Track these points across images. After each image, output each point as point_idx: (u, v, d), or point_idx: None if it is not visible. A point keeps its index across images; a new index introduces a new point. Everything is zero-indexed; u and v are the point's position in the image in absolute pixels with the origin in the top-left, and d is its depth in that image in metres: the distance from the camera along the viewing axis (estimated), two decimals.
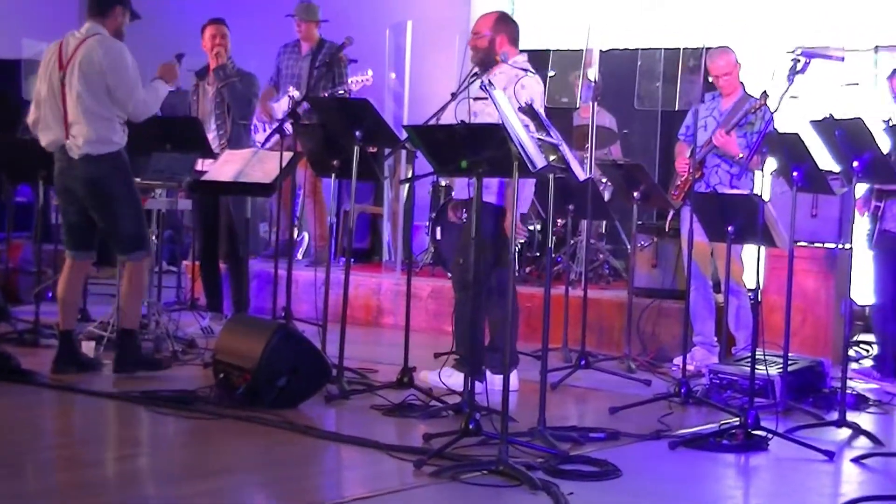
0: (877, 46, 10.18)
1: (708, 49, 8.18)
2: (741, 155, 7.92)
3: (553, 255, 9.71)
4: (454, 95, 6.81)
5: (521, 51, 7.22)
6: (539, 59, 7.37)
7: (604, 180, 9.84)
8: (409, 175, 7.68)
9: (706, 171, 8.21)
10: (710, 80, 8.21)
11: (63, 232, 7.48)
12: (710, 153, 8.18)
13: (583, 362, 7.97)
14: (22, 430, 6.14)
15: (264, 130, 10.18)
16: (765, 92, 7.60)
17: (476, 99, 6.83)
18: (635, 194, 8.16)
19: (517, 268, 9.39)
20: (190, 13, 12.80)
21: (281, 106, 10.28)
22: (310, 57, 10.56)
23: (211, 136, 8.97)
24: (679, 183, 8.35)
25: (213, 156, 8.62)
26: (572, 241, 9.63)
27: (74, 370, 7.22)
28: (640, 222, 8.60)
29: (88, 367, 7.33)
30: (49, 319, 8.36)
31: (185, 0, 13.40)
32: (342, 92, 10.01)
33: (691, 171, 8.03)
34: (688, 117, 8.53)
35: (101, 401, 6.75)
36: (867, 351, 8.89)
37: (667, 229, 8.76)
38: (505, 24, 7.15)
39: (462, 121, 6.42)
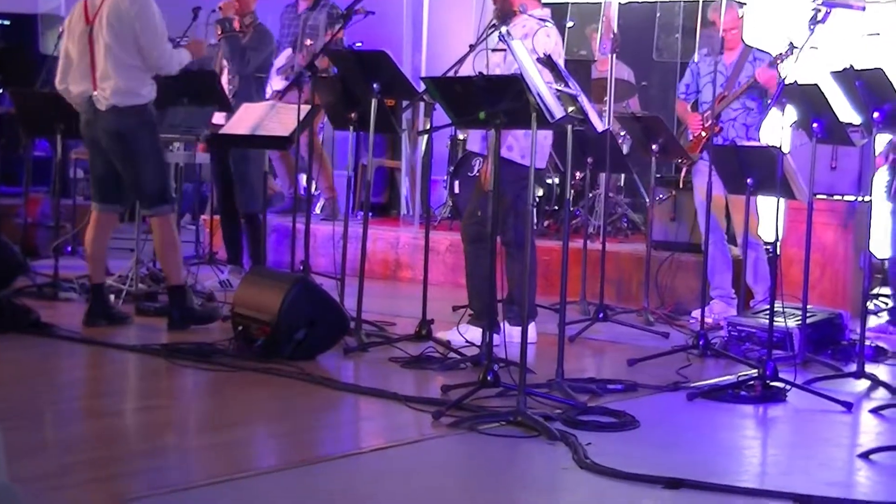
0: None
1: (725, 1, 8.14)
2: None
3: (571, 209, 9.70)
4: (472, 47, 6.78)
5: (543, 4, 7.18)
6: (558, 12, 7.34)
7: (622, 133, 9.80)
8: (427, 127, 7.66)
9: (722, 124, 8.18)
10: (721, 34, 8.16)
11: (91, 183, 7.51)
12: (730, 104, 8.12)
13: (601, 315, 7.97)
14: (42, 382, 6.18)
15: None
16: (791, 44, 7.53)
17: (494, 50, 6.80)
18: (653, 147, 8.13)
19: (535, 221, 9.38)
20: None
21: (278, 62, 10.28)
22: (308, 12, 10.58)
23: (224, 87, 9.00)
24: (692, 138, 8.31)
25: (230, 109, 8.61)
26: (591, 195, 9.61)
27: (105, 322, 7.26)
28: (658, 175, 8.58)
29: (119, 320, 7.37)
30: (68, 273, 8.40)
31: None
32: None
33: (708, 126, 7.99)
34: (686, 75, 8.51)
35: (121, 353, 6.78)
36: (886, 304, 8.86)
37: (681, 185, 8.74)
38: None
39: (480, 72, 6.39)
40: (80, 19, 7.19)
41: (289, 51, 10.40)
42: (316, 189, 11.17)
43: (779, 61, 7.83)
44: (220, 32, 9.16)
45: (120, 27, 7.07)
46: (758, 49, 8.15)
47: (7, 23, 12.62)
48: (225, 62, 9.32)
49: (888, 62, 7.40)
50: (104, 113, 7.12)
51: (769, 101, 7.84)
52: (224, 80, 9.15)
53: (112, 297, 7.74)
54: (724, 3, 8.12)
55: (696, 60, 8.46)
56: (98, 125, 7.17)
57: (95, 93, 7.13)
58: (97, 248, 7.37)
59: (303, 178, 9.68)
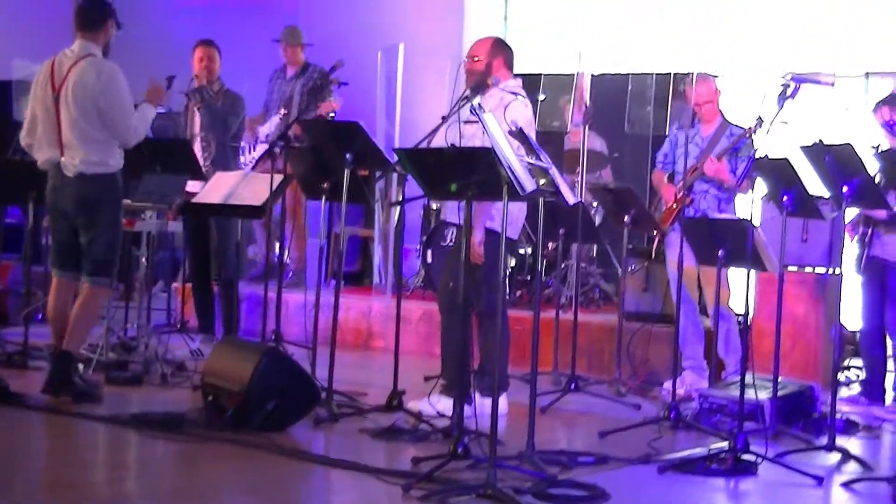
0: (867, 73, 10.21)
1: (697, 75, 8.22)
2: (731, 182, 7.95)
3: (543, 279, 9.72)
4: (444, 119, 6.82)
5: (515, 75, 7.24)
6: (530, 83, 7.40)
7: (594, 204, 9.84)
8: (400, 198, 7.68)
9: (694, 196, 8.22)
10: (692, 107, 8.23)
11: (51, 250, 7.42)
12: (698, 179, 8.19)
13: (573, 386, 7.97)
14: (11, 452, 6.12)
15: (251, 151, 10.22)
16: (760, 118, 7.59)
17: (467, 122, 6.84)
18: (625, 218, 8.17)
19: (507, 291, 9.39)
20: (185, 35, 12.84)
21: (265, 129, 10.32)
22: (294, 80, 10.64)
23: (198, 155, 9.02)
24: (665, 209, 8.36)
25: (203, 177, 8.62)
26: (563, 265, 9.63)
27: (66, 393, 7.07)
28: (630, 246, 8.60)
29: (83, 397, 7.10)
30: (39, 341, 8.35)
31: (181, 22, 13.43)
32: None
33: (679, 197, 8.04)
34: (665, 145, 8.58)
35: (90, 423, 6.72)
36: (857, 376, 8.89)
37: (653, 255, 8.77)
38: (501, 49, 7.20)
39: (452, 144, 6.43)
40: (47, 85, 7.14)
41: (276, 119, 10.42)
42: (287, 257, 11.17)
43: (723, 154, 7.92)
44: (200, 101, 9.18)
45: (85, 101, 7.03)
46: (735, 125, 8.19)
47: None
48: (197, 129, 9.32)
49: (857, 137, 7.47)
50: (72, 179, 7.08)
51: (729, 188, 7.94)
52: (197, 147, 9.16)
53: (81, 366, 7.68)
54: (695, 77, 8.20)
55: (674, 131, 8.50)
56: (65, 191, 7.12)
57: (63, 159, 7.08)
58: (58, 315, 7.27)
59: (275, 245, 9.68)
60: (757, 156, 6.79)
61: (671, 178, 8.32)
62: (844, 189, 6.37)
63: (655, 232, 8.46)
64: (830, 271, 8.48)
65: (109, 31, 7.23)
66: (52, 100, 7.10)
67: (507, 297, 8.99)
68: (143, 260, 8.35)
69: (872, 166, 7.19)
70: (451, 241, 9.13)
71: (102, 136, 7.10)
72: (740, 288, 7.20)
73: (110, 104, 7.06)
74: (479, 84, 7.01)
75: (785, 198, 6.79)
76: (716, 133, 8.25)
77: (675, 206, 8.17)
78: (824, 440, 6.58)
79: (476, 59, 7.10)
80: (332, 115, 10.22)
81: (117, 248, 7.27)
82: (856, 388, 8.46)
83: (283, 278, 8.16)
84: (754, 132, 7.75)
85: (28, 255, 8.99)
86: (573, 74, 10.17)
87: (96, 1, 7.37)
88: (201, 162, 8.99)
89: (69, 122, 7.05)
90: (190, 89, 9.31)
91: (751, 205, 6.81)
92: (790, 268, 8.26)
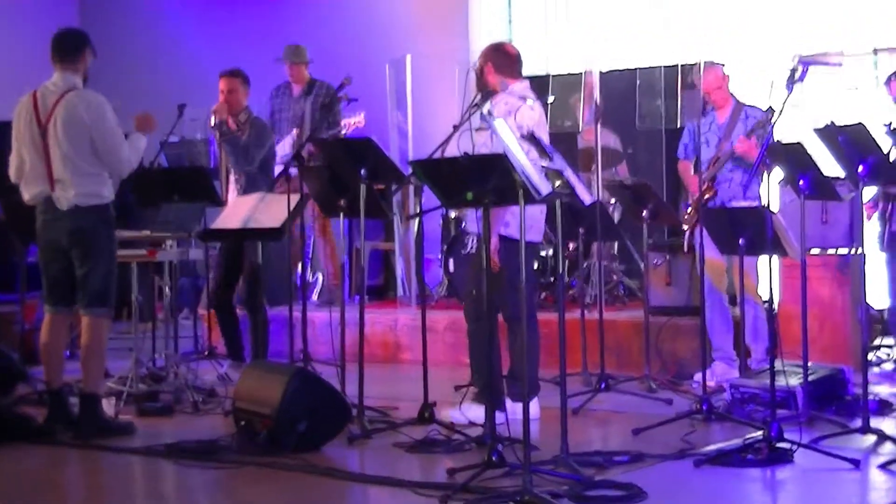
0: (875, 49, 10.18)
1: (705, 64, 8.21)
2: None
3: (566, 279, 9.71)
4: (456, 128, 6.83)
5: (523, 77, 7.23)
6: (539, 85, 7.40)
7: (612, 201, 9.83)
8: (418, 209, 7.69)
9: (717, 186, 8.20)
10: (703, 96, 8.23)
11: (43, 287, 7.31)
12: (720, 169, 8.17)
13: (603, 385, 7.97)
14: (48, 490, 6.15)
15: None
16: (770, 108, 7.56)
17: (478, 130, 6.85)
18: (644, 213, 8.17)
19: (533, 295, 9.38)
20: (196, 62, 12.92)
21: (279, 150, 10.32)
22: (302, 98, 10.65)
23: (231, 186, 9.02)
24: (692, 202, 8.34)
25: (222, 204, 8.63)
26: (585, 264, 9.62)
27: (63, 429, 7.09)
28: (650, 240, 8.59)
29: (113, 429, 7.18)
30: (68, 378, 8.37)
31: (190, 49, 13.50)
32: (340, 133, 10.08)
33: (704, 189, 8.03)
34: (684, 135, 8.56)
35: (125, 457, 6.75)
36: (888, 355, 8.86)
37: (685, 249, 8.72)
38: (492, 54, 7.17)
39: (465, 152, 6.43)
40: (32, 122, 7.04)
41: (290, 139, 10.41)
42: (312, 276, 11.19)
43: (758, 129, 7.87)
44: (218, 137, 9.15)
45: (77, 135, 6.97)
46: (749, 106, 8.18)
47: None
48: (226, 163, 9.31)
49: (869, 115, 7.45)
50: (65, 213, 7.01)
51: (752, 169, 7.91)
52: (231, 179, 9.13)
53: (113, 399, 7.71)
54: (703, 66, 8.20)
55: (693, 122, 8.47)
56: (58, 225, 7.05)
57: (55, 194, 7.01)
58: (53, 352, 7.26)
59: (299, 266, 9.69)
60: (773, 137, 6.77)
61: (696, 167, 8.27)
62: (860, 168, 6.36)
63: (686, 226, 8.43)
64: (853, 251, 8.45)
65: (88, 59, 7.15)
66: (40, 135, 7.01)
67: (533, 301, 8.99)
68: (167, 289, 8.38)
69: (886, 143, 7.17)
70: (471, 248, 9.17)
71: (95, 168, 7.03)
72: (765, 275, 7.18)
73: (102, 136, 7.01)
74: (482, 89, 7.02)
75: (801, 181, 6.77)
76: (731, 118, 8.24)
77: (700, 197, 8.15)
78: (858, 422, 6.54)
79: (475, 64, 7.13)
80: (355, 125, 10.20)
81: (113, 277, 7.20)
82: (889, 367, 8.42)
83: (307, 297, 8.16)
84: (768, 121, 7.70)
85: None
86: (581, 73, 10.17)
87: (71, 30, 7.34)
88: (235, 193, 8.97)
89: (61, 157, 6.98)
90: (212, 125, 9.24)
91: (768, 191, 6.79)
92: (812, 251, 8.24)
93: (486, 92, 6.96)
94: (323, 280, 11.18)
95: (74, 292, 7.17)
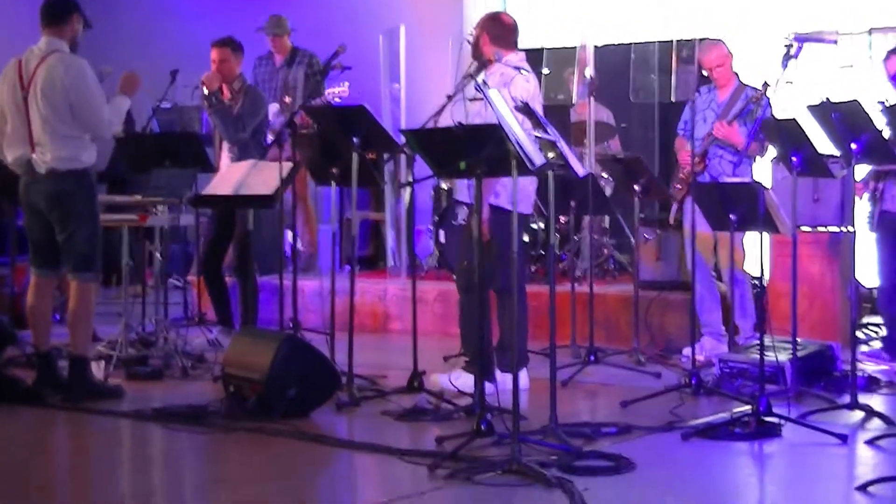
0: (871, 29, 10.18)
1: (700, 41, 8.20)
2: (742, 144, 7.93)
3: (557, 253, 9.72)
4: (450, 98, 6.82)
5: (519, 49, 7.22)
6: (533, 58, 7.38)
7: (604, 175, 9.83)
8: (409, 179, 7.68)
9: (708, 161, 8.22)
10: (705, 73, 8.23)
11: (29, 249, 7.33)
12: (712, 144, 8.19)
13: (592, 358, 7.99)
14: (35, 452, 6.15)
15: None
16: (766, 83, 7.57)
17: (472, 100, 6.84)
18: (636, 187, 8.17)
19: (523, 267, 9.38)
20: (187, 28, 12.87)
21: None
22: (284, 67, 10.64)
23: (224, 153, 9.00)
24: (682, 176, 8.36)
25: (214, 170, 8.62)
26: (576, 238, 9.63)
27: (51, 392, 7.10)
28: (642, 215, 8.60)
29: (102, 392, 7.20)
30: (57, 342, 8.37)
31: (183, 16, 13.45)
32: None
33: (693, 163, 8.03)
34: (685, 112, 8.55)
35: (113, 420, 6.75)
36: (875, 333, 8.89)
37: (671, 222, 8.75)
38: (489, 23, 7.16)
39: (459, 122, 6.42)
40: (15, 85, 7.03)
41: (274, 107, 10.41)
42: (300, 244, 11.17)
43: (751, 103, 7.88)
44: (207, 107, 9.12)
45: (55, 98, 6.94)
46: (751, 87, 8.15)
47: None
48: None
49: (862, 94, 7.45)
50: (43, 176, 7.00)
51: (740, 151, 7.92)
52: (224, 146, 9.11)
53: (102, 362, 7.71)
54: (706, 42, 8.19)
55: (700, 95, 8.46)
56: (37, 188, 7.05)
57: (34, 156, 7.00)
58: (40, 315, 7.26)
59: (289, 234, 9.67)
60: (769, 114, 6.78)
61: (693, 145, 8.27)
62: (853, 146, 6.36)
63: (675, 200, 8.44)
64: (843, 230, 8.46)
65: (76, 25, 7.11)
66: (22, 99, 7.01)
67: (523, 273, 9.00)
68: (158, 255, 8.37)
69: (880, 121, 7.17)
70: (462, 219, 9.16)
71: (74, 132, 7.01)
72: (755, 251, 7.19)
73: (81, 99, 6.97)
74: (477, 59, 7.01)
75: (794, 158, 6.78)
76: (731, 97, 8.23)
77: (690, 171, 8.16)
78: (846, 398, 6.58)
79: (472, 33, 7.13)
80: (338, 98, 10.19)
81: (97, 241, 7.18)
82: (875, 346, 8.45)
83: (296, 265, 8.16)
84: (761, 98, 7.72)
85: None
86: (575, 47, 10.15)
87: None
88: (228, 161, 8.95)
89: (40, 120, 6.96)
90: (204, 95, 9.21)
91: (760, 167, 6.80)
92: (803, 228, 8.24)
93: (481, 62, 6.95)
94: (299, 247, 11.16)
95: (59, 255, 7.16)
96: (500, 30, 7.13)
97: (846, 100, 6.43)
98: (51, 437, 6.59)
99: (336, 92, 10.26)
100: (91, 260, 7.13)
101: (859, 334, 8.45)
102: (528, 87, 6.98)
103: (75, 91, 6.97)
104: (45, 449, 6.32)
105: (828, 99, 6.47)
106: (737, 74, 8.31)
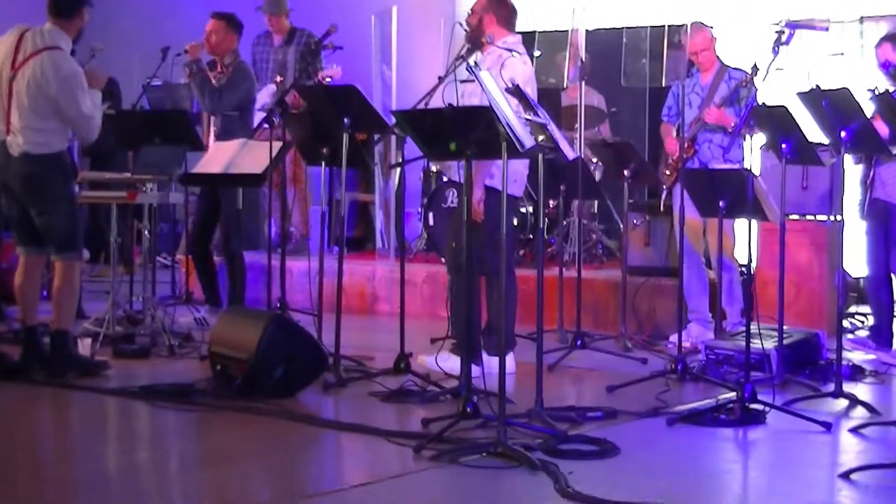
0: (862, 17, 10.18)
1: (691, 24, 8.21)
2: (734, 124, 7.93)
3: (546, 237, 9.72)
4: (441, 79, 6.81)
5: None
6: (525, 41, 7.37)
7: (594, 160, 9.83)
8: (399, 160, 7.67)
9: (697, 147, 8.24)
10: (689, 56, 8.23)
11: (12, 229, 7.35)
12: (700, 130, 8.20)
13: (579, 342, 7.99)
14: (20, 427, 6.14)
15: None
16: (755, 66, 7.57)
17: (464, 81, 6.83)
18: (625, 172, 8.17)
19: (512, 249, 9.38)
20: (180, 6, 12.84)
21: (260, 97, 10.28)
22: (283, 47, 10.63)
23: (212, 129, 9.01)
24: (670, 162, 8.36)
25: (203, 148, 8.61)
26: (565, 222, 9.63)
27: (70, 372, 7.10)
28: (631, 200, 8.60)
29: (86, 366, 7.20)
30: (44, 318, 8.36)
31: None
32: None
33: (682, 149, 8.04)
34: (668, 97, 8.57)
35: (99, 396, 6.74)
36: (862, 322, 8.91)
37: (661, 208, 8.75)
38: (495, 4, 7.14)
39: (450, 104, 6.41)
40: (7, 62, 6.96)
41: (271, 87, 10.39)
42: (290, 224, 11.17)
43: (741, 88, 7.88)
44: (188, 74, 9.13)
45: (39, 97, 6.89)
46: (733, 68, 8.20)
47: None
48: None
49: (853, 82, 7.45)
50: (16, 159, 6.96)
51: (731, 132, 7.92)
52: (213, 124, 9.11)
53: (89, 340, 7.69)
54: (690, 26, 8.19)
55: (676, 83, 8.47)
56: (11, 170, 7.00)
57: (8, 138, 6.96)
58: (27, 292, 7.25)
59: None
60: (757, 100, 6.78)
61: (679, 130, 8.28)
62: (843, 134, 6.36)
63: (665, 186, 8.45)
64: (832, 218, 8.48)
65: (84, 17, 7.09)
66: (8, 79, 6.96)
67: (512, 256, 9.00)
68: (146, 232, 8.36)
69: (869, 109, 7.18)
70: (451, 202, 9.16)
71: (49, 125, 6.95)
72: (743, 238, 7.20)
73: (67, 101, 6.91)
74: (474, 39, 6.99)
75: (784, 145, 6.77)
76: (714, 79, 8.26)
77: (679, 158, 8.16)
78: (831, 387, 6.59)
79: (473, 12, 7.12)
80: (329, 79, 10.18)
81: (76, 219, 7.18)
82: (860, 335, 8.47)
83: (285, 246, 8.16)
84: (751, 80, 7.72)
85: None
86: (567, 31, 10.13)
87: None
88: (212, 134, 8.96)
89: (18, 107, 6.91)
90: (183, 63, 9.22)
91: (750, 154, 6.80)
92: (791, 216, 8.26)
93: (475, 44, 6.94)
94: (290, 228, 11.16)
95: (40, 234, 7.14)
96: (504, 11, 7.14)
97: (837, 87, 6.43)
98: (36, 413, 6.58)
99: (328, 74, 10.25)
100: (73, 239, 7.13)
101: (845, 323, 8.46)
102: (524, 70, 6.98)
103: (64, 96, 6.91)
104: (30, 424, 6.31)
105: (818, 86, 6.47)
106: (719, 58, 8.33)
